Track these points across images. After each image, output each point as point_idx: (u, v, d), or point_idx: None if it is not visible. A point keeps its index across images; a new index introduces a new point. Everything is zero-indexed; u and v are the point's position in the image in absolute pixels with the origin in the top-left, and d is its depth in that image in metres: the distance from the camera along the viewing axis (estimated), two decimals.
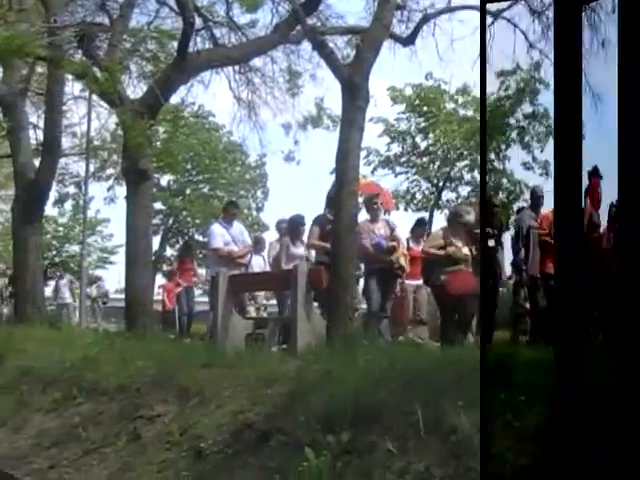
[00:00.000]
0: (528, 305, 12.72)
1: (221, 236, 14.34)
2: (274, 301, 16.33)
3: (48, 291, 26.02)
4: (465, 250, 11.69)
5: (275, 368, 8.92)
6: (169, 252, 45.14)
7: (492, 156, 31.89)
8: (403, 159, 32.55)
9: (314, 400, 7.31)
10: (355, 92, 10.54)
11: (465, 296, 11.24)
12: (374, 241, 12.95)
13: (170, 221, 43.93)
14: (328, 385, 7.44)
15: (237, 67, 17.80)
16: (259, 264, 15.95)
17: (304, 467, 6.47)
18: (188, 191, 43.03)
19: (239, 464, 7.32)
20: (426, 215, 30.07)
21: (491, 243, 12.35)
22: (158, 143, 24.64)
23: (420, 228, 15.92)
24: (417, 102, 31.70)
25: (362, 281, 13.92)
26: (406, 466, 5.87)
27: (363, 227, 12.89)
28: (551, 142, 25.55)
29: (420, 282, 13.89)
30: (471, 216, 12.22)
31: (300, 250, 13.73)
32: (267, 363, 9.27)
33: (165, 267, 44.00)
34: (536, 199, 12.97)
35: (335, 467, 6.41)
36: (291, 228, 14.11)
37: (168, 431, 8.69)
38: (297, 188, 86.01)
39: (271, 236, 19.17)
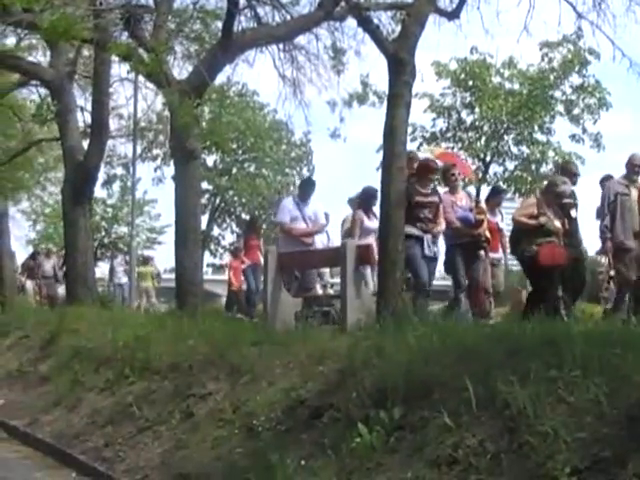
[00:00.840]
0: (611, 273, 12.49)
1: (289, 212, 14.11)
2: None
3: (99, 272, 26.29)
4: (557, 222, 11.44)
5: (325, 345, 8.93)
6: (216, 231, 45.50)
7: (535, 128, 31.84)
8: (449, 134, 32.36)
9: (366, 376, 7.30)
10: (401, 67, 10.47)
11: (554, 268, 11.11)
12: (458, 214, 12.56)
13: (217, 201, 44.19)
14: (379, 361, 7.45)
15: (281, 45, 17.74)
16: (322, 240, 15.30)
17: (357, 443, 6.50)
18: (234, 170, 43.20)
19: (292, 440, 7.33)
20: (473, 190, 29.94)
21: (574, 213, 12.12)
22: (204, 123, 24.65)
23: (496, 197, 15.30)
24: (462, 76, 31.47)
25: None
26: (459, 441, 5.84)
27: (445, 200, 12.55)
28: (604, 114, 25.20)
29: (498, 255, 13.59)
30: (567, 186, 11.87)
31: (374, 224, 12.97)
32: (317, 340, 9.27)
33: (213, 246, 44.46)
34: (633, 167, 12.46)
35: (388, 442, 6.41)
36: (364, 200, 13.66)
37: (220, 408, 8.76)
38: (343, 165, 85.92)
39: None
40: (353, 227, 13.41)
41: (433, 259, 12.18)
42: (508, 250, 14.04)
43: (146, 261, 30.12)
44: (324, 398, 7.60)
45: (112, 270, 28.52)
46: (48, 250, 28.60)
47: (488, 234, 13.07)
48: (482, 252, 13.08)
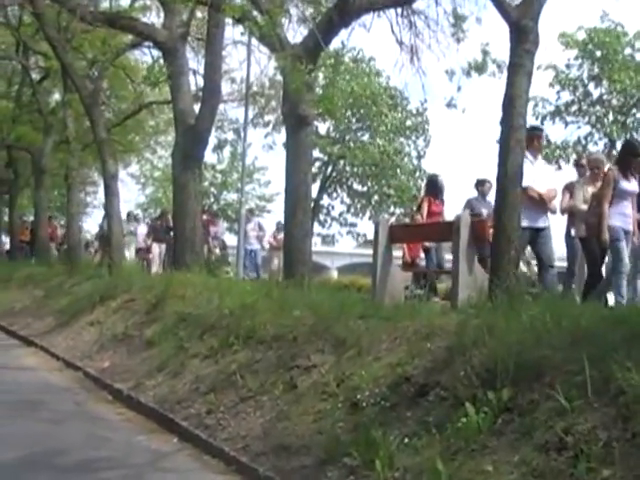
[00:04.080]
0: None
1: (528, 173, 11.13)
2: None
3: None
4: None
5: (434, 321, 8.77)
6: (326, 201, 45.31)
7: None
8: (574, 108, 31.42)
9: (475, 355, 7.16)
10: (524, 35, 10.06)
11: None
12: None
13: (328, 170, 44.02)
14: (489, 340, 7.25)
15: (400, 10, 17.38)
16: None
17: (463, 423, 6.38)
18: (347, 138, 42.92)
19: (396, 417, 7.23)
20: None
21: None
22: (318, 89, 24.44)
23: None
24: (590, 47, 30.42)
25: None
26: (569, 427, 5.66)
27: None
28: None
29: None
30: None
31: (633, 186, 11.28)
32: (426, 316, 9.11)
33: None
34: None
35: (495, 424, 6.29)
36: (624, 155, 11.57)
37: (324, 381, 8.68)
38: (460, 136, 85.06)
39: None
40: (604, 187, 11.31)
41: None
42: None
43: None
44: (431, 375, 7.48)
45: (245, 235, 28.37)
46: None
47: None
48: None
